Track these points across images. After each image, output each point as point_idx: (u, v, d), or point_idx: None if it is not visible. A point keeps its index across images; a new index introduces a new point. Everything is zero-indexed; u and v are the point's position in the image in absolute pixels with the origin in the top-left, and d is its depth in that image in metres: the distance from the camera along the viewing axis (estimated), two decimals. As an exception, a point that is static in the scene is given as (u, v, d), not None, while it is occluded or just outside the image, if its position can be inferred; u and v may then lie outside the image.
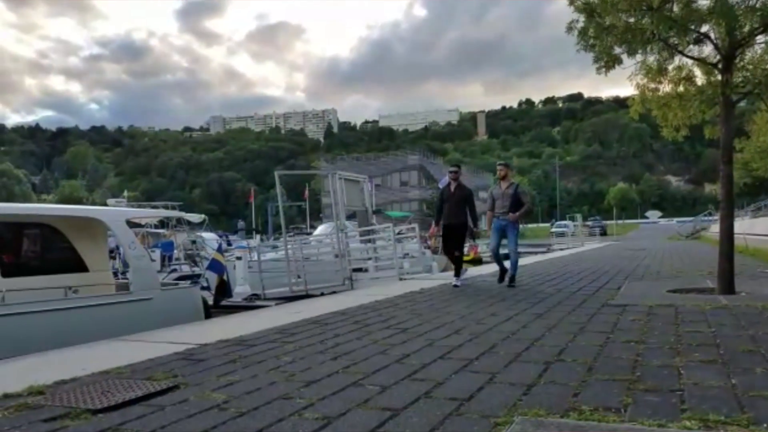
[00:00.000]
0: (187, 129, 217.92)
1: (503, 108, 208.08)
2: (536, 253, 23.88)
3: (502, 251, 8.40)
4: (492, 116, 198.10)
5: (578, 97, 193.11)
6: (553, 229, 44.63)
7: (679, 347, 3.76)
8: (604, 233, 43.60)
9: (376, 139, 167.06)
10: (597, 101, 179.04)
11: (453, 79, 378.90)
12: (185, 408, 2.73)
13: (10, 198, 69.92)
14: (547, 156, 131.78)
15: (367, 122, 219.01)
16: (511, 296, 6.96)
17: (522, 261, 16.04)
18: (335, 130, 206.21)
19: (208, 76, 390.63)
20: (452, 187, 8.51)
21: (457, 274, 8.57)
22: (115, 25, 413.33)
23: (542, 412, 2.48)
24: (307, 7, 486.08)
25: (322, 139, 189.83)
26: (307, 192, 53.77)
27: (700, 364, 3.28)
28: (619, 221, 62.56)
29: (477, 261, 27.15)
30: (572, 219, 40.81)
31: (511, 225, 7.99)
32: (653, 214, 70.04)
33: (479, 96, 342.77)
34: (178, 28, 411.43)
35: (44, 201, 73.85)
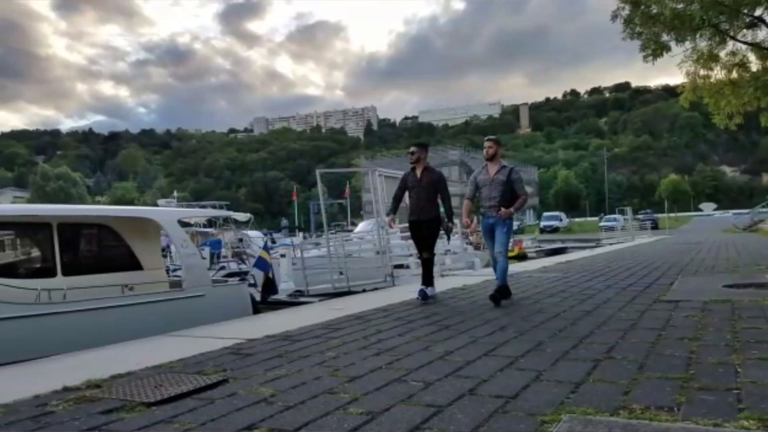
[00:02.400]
0: (232, 131, 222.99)
1: (547, 99, 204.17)
2: (585, 248, 23.35)
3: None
4: (535, 108, 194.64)
5: (625, 86, 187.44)
6: (602, 224, 43.55)
7: (736, 344, 3.61)
8: (655, 227, 42.23)
9: (415, 135, 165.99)
10: (645, 90, 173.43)
11: (494, 72, 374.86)
12: (234, 401, 2.80)
13: (67, 200, 73.25)
14: (594, 148, 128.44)
15: (406, 118, 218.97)
16: (559, 293, 6.83)
17: (570, 256, 15.69)
18: (375, 127, 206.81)
19: (250, 77, 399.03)
20: (417, 172, 6.72)
21: (428, 282, 6.66)
22: (160, 29, 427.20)
23: (591, 411, 2.43)
24: (346, 5, 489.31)
25: (362, 137, 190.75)
26: (348, 190, 54.15)
27: (758, 362, 3.14)
28: (671, 214, 60.36)
29: (522, 257, 26.76)
30: (622, 213, 39.66)
31: (501, 222, 6.15)
32: (707, 207, 67.23)
33: (521, 88, 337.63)
34: (220, 30, 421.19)
35: (98, 202, 76.98)
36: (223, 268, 14.83)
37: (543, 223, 59.82)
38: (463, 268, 11.94)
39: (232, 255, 17.50)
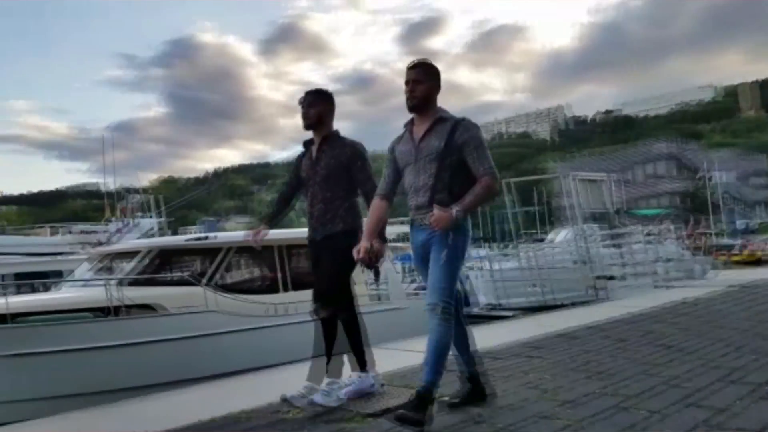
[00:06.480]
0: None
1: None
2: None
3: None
4: (760, 87, 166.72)
5: None
6: None
7: None
8: None
9: (610, 131, 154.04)
10: None
11: (702, 52, 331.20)
12: (445, 417, 2.85)
13: (288, 224, 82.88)
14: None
15: (599, 113, 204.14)
16: (809, 305, 5.71)
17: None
18: (562, 126, 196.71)
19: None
20: (313, 149, 3.77)
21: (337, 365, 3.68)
22: (347, 60, 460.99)
23: None
24: (526, 5, 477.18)
25: (548, 139, 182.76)
26: (544, 197, 52.27)
27: None
28: None
29: (756, 261, 22.87)
30: None
31: (437, 237, 2.87)
32: None
33: (740, 65, 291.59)
34: (399, 52, 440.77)
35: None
36: (413, 281, 15.38)
37: (782, 221, 50.92)
38: (681, 277, 10.61)
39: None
